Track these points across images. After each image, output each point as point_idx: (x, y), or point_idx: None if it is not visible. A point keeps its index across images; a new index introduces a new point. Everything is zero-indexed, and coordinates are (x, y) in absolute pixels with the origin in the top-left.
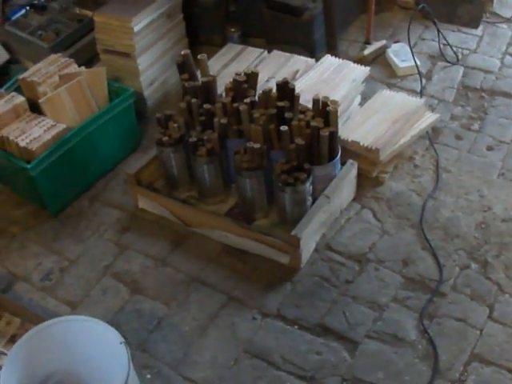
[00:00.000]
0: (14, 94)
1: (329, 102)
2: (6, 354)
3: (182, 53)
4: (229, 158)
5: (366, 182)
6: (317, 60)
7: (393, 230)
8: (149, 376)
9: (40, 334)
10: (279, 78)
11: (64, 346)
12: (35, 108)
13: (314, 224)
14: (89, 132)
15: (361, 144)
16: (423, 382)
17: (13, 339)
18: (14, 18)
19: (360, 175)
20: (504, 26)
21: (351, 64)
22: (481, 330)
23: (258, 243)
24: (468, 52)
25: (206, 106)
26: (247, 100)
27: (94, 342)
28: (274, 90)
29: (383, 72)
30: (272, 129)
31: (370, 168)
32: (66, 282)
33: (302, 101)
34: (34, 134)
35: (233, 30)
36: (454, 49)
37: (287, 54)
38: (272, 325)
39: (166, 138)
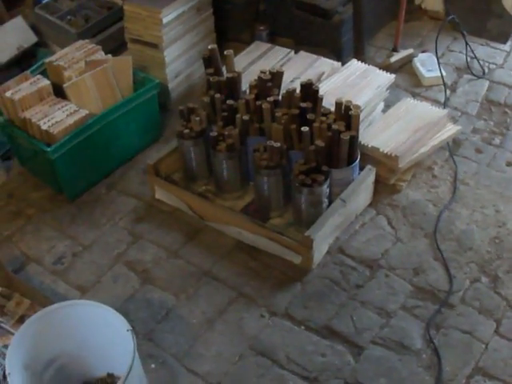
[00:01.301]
0: (39, 76)
1: (351, 106)
2: (13, 334)
3: (209, 47)
4: (248, 155)
5: (384, 188)
6: (343, 64)
7: (406, 238)
8: (153, 366)
9: (48, 316)
10: (304, 78)
11: (71, 329)
12: (59, 92)
13: (328, 226)
14: (111, 120)
15: (380, 150)
16: None
17: (21, 320)
18: (44, 1)
19: (378, 181)
20: None
21: (377, 70)
22: (486, 344)
23: (272, 242)
24: (495, 67)
25: (229, 101)
26: (270, 98)
27: (101, 327)
28: (298, 91)
29: (408, 80)
30: (293, 129)
31: (388, 175)
32: (78, 266)
33: (325, 103)
34: (56, 118)
35: (261, 28)
36: (481, 62)
37: (314, 56)
38: (279, 324)
39: (187, 131)
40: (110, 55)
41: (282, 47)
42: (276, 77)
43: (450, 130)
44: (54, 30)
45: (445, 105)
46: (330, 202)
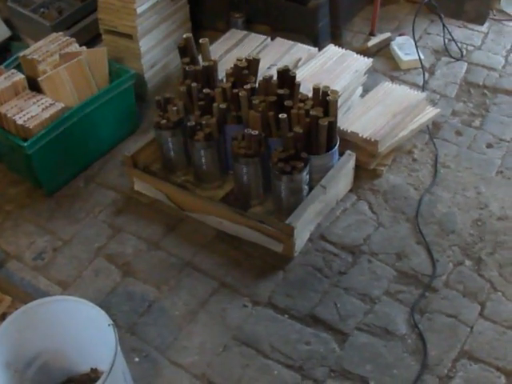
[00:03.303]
0: (13, 71)
1: (329, 92)
2: None
3: (184, 36)
4: (226, 143)
5: (364, 173)
6: (320, 49)
7: (388, 223)
8: (137, 359)
9: (29, 313)
10: (281, 65)
11: (53, 326)
12: (34, 86)
13: (308, 213)
14: (87, 112)
15: (360, 135)
16: (411, 377)
17: (3, 317)
18: None
19: (358, 167)
20: (510, 23)
21: (354, 55)
22: (471, 327)
23: (252, 230)
24: (472, 48)
25: (206, 90)
26: (247, 86)
27: (83, 323)
28: (275, 78)
29: (386, 64)
30: (271, 116)
31: (368, 160)
32: (59, 261)
33: (302, 89)
34: (31, 112)
35: (237, 15)
36: (459, 44)
37: (290, 42)
38: (262, 313)
39: (164, 121)
40: (84, 47)
41: (258, 34)
42: (252, 64)
43: (430, 113)
44: (28, 23)
45: (423, 88)
46: (311, 189)
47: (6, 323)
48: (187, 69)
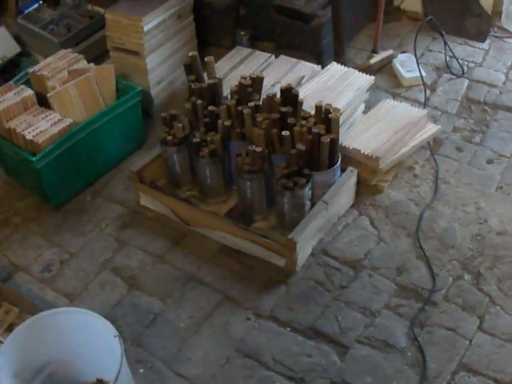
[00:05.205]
0: (23, 86)
1: (331, 110)
2: (2, 342)
3: (190, 54)
4: (231, 159)
5: (365, 189)
6: (324, 67)
7: (389, 237)
8: (142, 370)
9: (37, 324)
10: (284, 83)
11: (60, 337)
12: (43, 102)
13: (311, 228)
14: (95, 128)
15: (361, 152)
16: None
17: (10, 328)
18: (26, 11)
19: (359, 183)
20: (511, 40)
21: (356, 72)
22: (470, 340)
23: (256, 245)
24: (473, 65)
25: (211, 107)
26: (251, 104)
27: (89, 334)
28: (278, 95)
29: (389, 81)
30: (274, 133)
31: (370, 176)
32: (66, 274)
33: (305, 107)
34: (40, 128)
35: (242, 33)
36: (460, 61)
37: (294, 60)
38: (265, 326)
39: (170, 138)
40: (92, 64)
41: (262, 52)
42: (256, 82)
43: (431, 129)
44: (37, 40)
45: (425, 105)
46: (313, 205)
47: (14, 334)
48: (193, 86)
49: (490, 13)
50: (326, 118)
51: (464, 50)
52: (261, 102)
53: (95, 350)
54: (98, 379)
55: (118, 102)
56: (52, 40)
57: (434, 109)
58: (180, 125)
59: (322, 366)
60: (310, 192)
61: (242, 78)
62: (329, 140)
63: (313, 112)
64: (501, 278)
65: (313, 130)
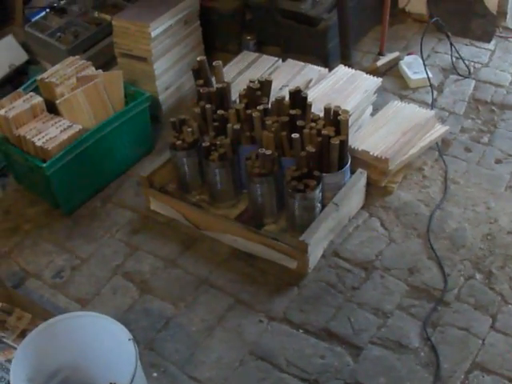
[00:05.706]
0: (32, 94)
1: (340, 112)
2: (15, 349)
3: (198, 59)
4: (240, 163)
5: (375, 191)
6: (330, 70)
7: (400, 238)
8: (155, 374)
9: (49, 329)
10: (292, 86)
11: (73, 341)
12: (52, 109)
13: (322, 231)
14: (104, 134)
15: (371, 153)
16: None
17: (23, 334)
18: (34, 19)
19: (369, 184)
20: None
21: (364, 75)
22: (483, 340)
23: (267, 248)
24: (480, 66)
25: (220, 111)
26: (260, 107)
27: (103, 338)
28: (287, 98)
29: (396, 83)
30: (283, 136)
31: (379, 177)
32: (77, 280)
33: (314, 109)
34: (50, 134)
35: (249, 37)
36: (466, 62)
37: (301, 63)
38: (278, 328)
39: (179, 142)
40: (100, 70)
41: (269, 56)
42: (265, 85)
43: (439, 130)
44: (45, 48)
45: (432, 106)
46: (323, 207)
47: (28, 339)
48: (201, 91)
49: (495, 13)
50: (335, 120)
51: (470, 51)
52: (270, 106)
53: (109, 354)
54: (111, 383)
55: (126, 108)
56: (59, 47)
57: (442, 110)
58: (189, 129)
59: (335, 367)
60: (320, 194)
61: (250, 81)
62: (338, 142)
63: (322, 114)
64: None
65: (322, 132)
